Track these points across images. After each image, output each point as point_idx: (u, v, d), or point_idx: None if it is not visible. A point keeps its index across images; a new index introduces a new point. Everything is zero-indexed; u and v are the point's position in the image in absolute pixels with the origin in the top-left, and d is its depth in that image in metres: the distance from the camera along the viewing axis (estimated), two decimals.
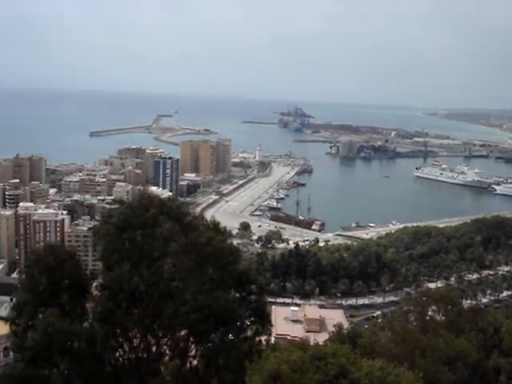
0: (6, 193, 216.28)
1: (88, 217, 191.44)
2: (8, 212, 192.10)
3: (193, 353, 30.63)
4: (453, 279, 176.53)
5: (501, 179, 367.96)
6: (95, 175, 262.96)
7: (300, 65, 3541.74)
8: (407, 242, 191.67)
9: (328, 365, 21.56)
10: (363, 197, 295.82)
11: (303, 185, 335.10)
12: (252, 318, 31.11)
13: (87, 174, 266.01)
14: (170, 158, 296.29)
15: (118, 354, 30.43)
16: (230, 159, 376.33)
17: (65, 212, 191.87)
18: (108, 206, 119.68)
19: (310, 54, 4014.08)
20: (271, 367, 21.91)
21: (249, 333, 31.07)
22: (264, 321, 31.64)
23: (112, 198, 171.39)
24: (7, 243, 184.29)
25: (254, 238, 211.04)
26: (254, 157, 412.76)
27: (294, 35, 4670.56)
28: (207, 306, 27.53)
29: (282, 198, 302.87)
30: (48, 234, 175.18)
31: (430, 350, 29.11)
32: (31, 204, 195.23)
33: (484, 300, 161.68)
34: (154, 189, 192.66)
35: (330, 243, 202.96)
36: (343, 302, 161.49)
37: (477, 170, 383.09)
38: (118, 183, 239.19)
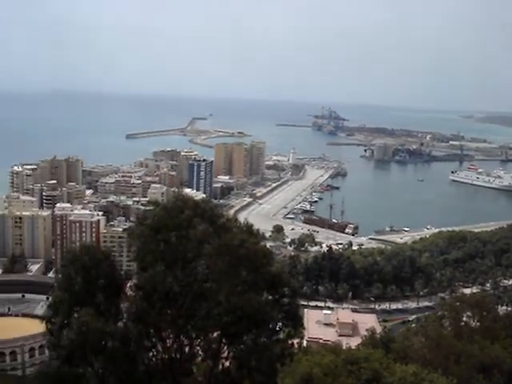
0: (44, 194, 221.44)
1: (123, 218, 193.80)
2: (45, 212, 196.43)
3: (225, 354, 30.86)
4: (488, 285, 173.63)
5: None
6: (131, 177, 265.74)
7: (336, 66, 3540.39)
8: (442, 247, 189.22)
9: (361, 369, 21.32)
10: (397, 200, 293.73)
11: (337, 188, 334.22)
12: (284, 321, 31.18)
13: (123, 176, 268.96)
14: (204, 160, 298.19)
15: (151, 353, 30.81)
16: (264, 162, 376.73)
17: (100, 213, 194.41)
18: (143, 208, 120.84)
19: (347, 54, 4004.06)
20: (303, 370, 21.83)
21: (281, 335, 31.16)
22: (296, 324, 31.70)
23: (147, 199, 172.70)
24: (44, 243, 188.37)
25: (287, 240, 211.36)
26: (288, 159, 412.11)
27: (334, 34, 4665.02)
28: (240, 307, 27.68)
29: (316, 201, 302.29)
30: (84, 234, 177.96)
31: (464, 357, 28.61)
32: (68, 205, 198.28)
33: None
34: (188, 191, 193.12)
35: (363, 247, 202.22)
36: (376, 307, 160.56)
37: None
38: (152, 185, 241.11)
